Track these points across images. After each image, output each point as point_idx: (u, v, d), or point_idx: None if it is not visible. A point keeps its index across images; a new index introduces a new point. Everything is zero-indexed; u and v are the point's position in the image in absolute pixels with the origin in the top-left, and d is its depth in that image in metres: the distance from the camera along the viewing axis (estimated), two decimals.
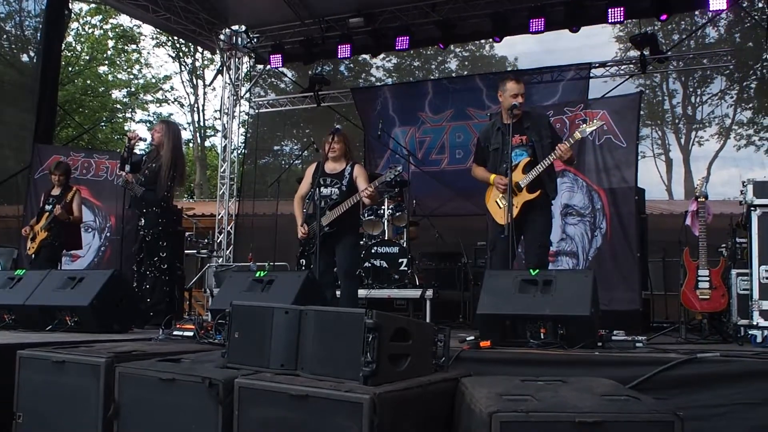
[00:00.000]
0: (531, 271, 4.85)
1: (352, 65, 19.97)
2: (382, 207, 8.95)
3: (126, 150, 7.25)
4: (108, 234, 10.39)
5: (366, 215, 8.87)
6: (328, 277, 6.51)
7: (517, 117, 5.77)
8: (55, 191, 8.27)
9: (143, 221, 7.07)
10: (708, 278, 5.88)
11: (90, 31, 26.00)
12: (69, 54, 23.72)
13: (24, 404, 4.00)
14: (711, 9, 9.77)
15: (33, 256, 8.15)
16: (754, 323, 4.89)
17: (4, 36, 11.84)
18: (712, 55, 12.05)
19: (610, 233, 7.91)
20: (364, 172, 6.57)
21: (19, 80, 11.48)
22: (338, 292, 6.66)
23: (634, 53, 12.07)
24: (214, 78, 23.75)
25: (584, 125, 5.72)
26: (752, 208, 4.98)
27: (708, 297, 5.84)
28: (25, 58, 12.04)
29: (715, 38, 17.67)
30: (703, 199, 6.07)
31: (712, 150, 21.75)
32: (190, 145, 28.01)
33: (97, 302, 5.60)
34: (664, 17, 10.37)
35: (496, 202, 5.80)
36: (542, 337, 4.48)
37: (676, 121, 22.52)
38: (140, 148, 7.45)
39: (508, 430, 2.64)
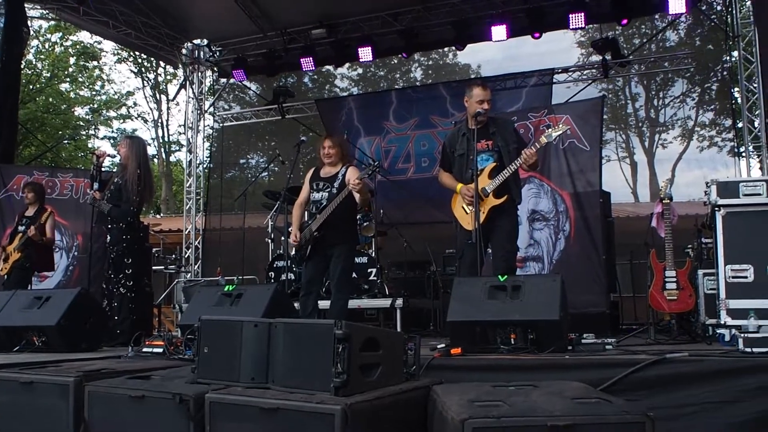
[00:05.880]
0: (500, 277, 4.87)
1: (316, 76, 19.96)
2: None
3: (94, 168, 7.21)
4: (75, 253, 10.27)
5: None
6: (315, 285, 6.34)
7: (483, 123, 5.79)
8: (29, 212, 8.17)
9: (108, 238, 6.99)
10: (675, 279, 5.95)
11: (50, 48, 25.71)
12: (29, 72, 23.40)
13: None
14: (670, 12, 9.92)
15: (6, 277, 8.04)
16: (722, 322, 4.94)
17: None
18: (673, 58, 12.21)
19: (574, 235, 7.97)
20: (357, 172, 6.24)
21: None
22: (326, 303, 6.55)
23: (596, 58, 12.21)
24: (178, 93, 23.63)
25: (550, 130, 5.71)
26: (716, 209, 5.04)
27: (675, 298, 5.92)
28: None
29: (676, 41, 17.95)
30: (668, 201, 6.15)
31: (676, 152, 22.06)
32: (155, 160, 27.77)
33: (64, 321, 5.56)
34: (624, 22, 10.51)
35: (462, 207, 5.78)
36: (512, 342, 4.50)
37: (640, 124, 22.81)
38: (107, 165, 7.40)
39: None
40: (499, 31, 10.44)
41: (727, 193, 5.07)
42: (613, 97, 21.26)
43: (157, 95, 28.87)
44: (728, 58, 11.44)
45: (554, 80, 11.41)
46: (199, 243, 12.98)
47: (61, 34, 25.29)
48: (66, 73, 26.19)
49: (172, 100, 28.72)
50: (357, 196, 6.14)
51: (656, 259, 6.11)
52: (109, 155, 7.63)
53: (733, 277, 4.91)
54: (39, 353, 5.45)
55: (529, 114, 8.60)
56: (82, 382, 3.69)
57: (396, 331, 6.15)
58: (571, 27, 10.33)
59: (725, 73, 13.45)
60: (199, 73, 13.32)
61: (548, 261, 8.07)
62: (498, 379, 3.66)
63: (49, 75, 25.29)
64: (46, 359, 4.74)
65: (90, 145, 26.37)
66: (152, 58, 21.39)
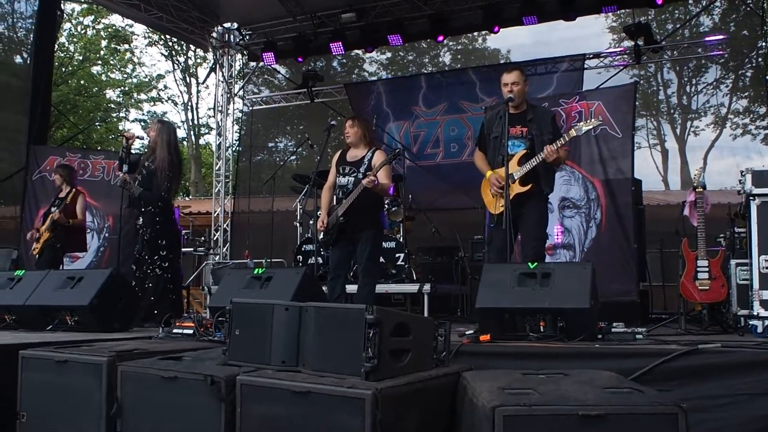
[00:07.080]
0: (529, 264, 4.84)
1: (345, 60, 19.95)
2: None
3: (123, 150, 7.24)
4: (107, 234, 10.38)
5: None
6: (342, 269, 6.31)
7: (520, 109, 5.79)
8: (62, 194, 8.35)
9: (141, 220, 7.05)
10: (707, 269, 5.87)
11: (83, 31, 25.92)
12: (62, 55, 23.64)
13: (27, 404, 4.02)
14: None
15: (37, 257, 8.19)
16: (755, 313, 4.88)
17: None
18: (706, 44, 12.03)
19: (605, 223, 7.89)
20: (384, 156, 6.19)
21: (12, 82, 11.43)
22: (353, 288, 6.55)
23: (628, 43, 12.04)
24: (207, 76, 23.72)
25: (580, 124, 5.66)
26: (751, 198, 4.97)
27: (707, 287, 5.84)
28: (18, 59, 12.00)
29: (710, 27, 17.66)
30: (701, 189, 6.07)
31: (709, 140, 21.76)
32: (185, 143, 27.94)
33: (96, 301, 5.58)
34: (660, 2, 10.28)
35: (490, 191, 5.77)
36: (542, 330, 4.48)
37: (672, 111, 22.50)
38: (136, 147, 7.44)
39: (511, 423, 2.64)
40: (529, 18, 10.35)
41: (762, 182, 5.00)
42: (645, 83, 21.01)
43: (187, 78, 28.99)
44: (763, 43, 11.22)
45: (585, 66, 11.26)
46: (227, 225, 13.04)
47: (93, 17, 25.54)
48: (98, 56, 26.42)
49: (202, 84, 28.91)
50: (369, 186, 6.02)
51: (688, 248, 6.03)
52: (138, 137, 7.68)
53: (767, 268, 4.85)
54: (72, 332, 5.50)
55: (560, 100, 8.51)
56: (114, 362, 3.73)
57: (426, 317, 6.14)
58: (603, 11, 10.21)
59: (760, 59, 13.22)
60: (229, 57, 13.33)
61: (580, 249, 8.00)
62: (527, 367, 3.65)
63: (81, 58, 25.54)
64: (79, 338, 4.79)
65: (121, 128, 26.61)
66: (182, 42, 21.44)
